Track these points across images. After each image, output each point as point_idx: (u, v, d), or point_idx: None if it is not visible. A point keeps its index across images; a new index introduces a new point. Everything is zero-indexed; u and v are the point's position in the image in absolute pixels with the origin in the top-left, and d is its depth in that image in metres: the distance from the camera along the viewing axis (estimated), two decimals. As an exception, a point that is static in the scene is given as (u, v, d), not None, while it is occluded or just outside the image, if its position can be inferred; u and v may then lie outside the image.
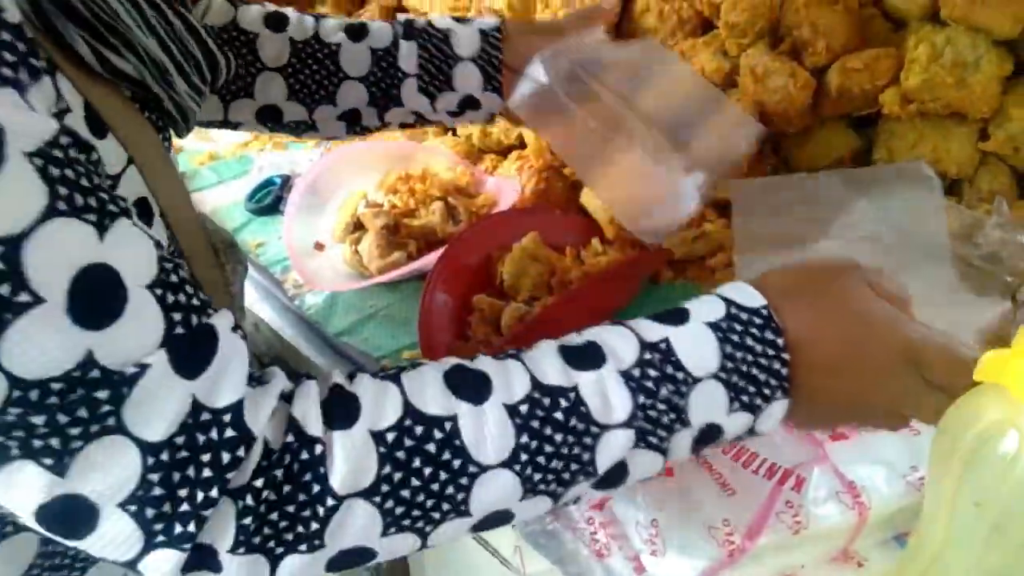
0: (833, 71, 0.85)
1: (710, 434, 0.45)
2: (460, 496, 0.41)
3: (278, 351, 0.95)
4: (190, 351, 0.38)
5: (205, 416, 0.38)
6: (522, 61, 0.75)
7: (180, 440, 0.37)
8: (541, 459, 0.42)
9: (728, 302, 0.46)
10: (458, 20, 0.78)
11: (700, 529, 0.51)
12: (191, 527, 0.37)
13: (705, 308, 0.46)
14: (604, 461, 0.43)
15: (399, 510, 0.41)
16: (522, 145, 1.07)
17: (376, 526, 0.40)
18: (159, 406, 0.37)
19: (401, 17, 0.79)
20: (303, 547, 0.39)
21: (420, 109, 0.77)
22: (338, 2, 1.41)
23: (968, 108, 0.80)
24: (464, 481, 0.41)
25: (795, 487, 0.52)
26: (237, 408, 0.39)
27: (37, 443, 0.35)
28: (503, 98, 0.76)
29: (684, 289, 0.89)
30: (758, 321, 0.45)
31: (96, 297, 0.36)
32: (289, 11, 0.79)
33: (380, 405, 0.42)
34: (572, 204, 0.96)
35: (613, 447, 0.43)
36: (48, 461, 0.35)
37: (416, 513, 0.41)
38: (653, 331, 0.45)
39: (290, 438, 0.40)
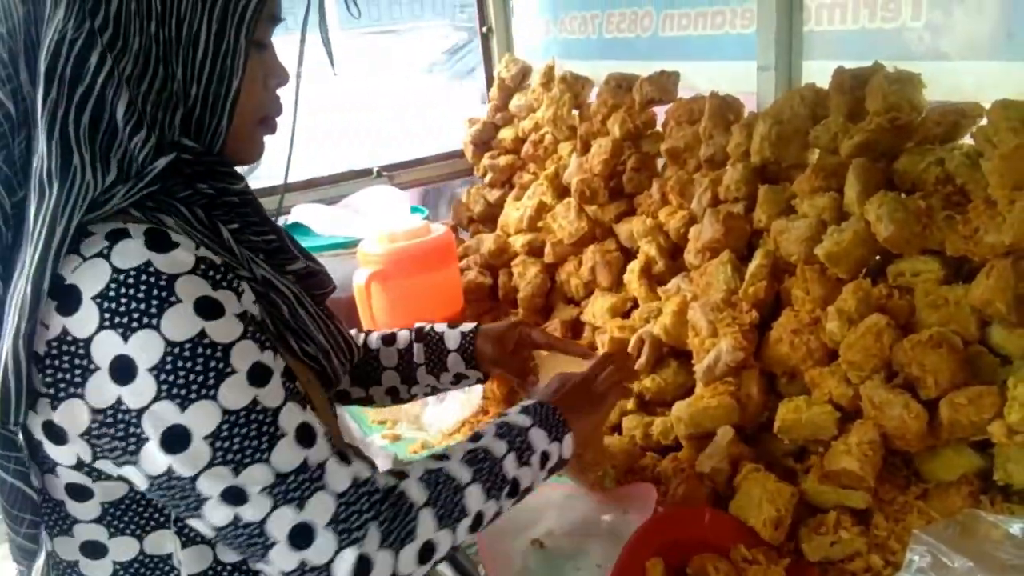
0: (943, 405, 0.99)
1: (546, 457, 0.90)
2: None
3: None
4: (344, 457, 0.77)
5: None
6: (487, 350, 1.16)
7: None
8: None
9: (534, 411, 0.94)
10: (450, 326, 1.20)
11: None
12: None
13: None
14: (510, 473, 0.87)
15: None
16: (677, 447, 1.25)
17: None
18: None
19: (421, 325, 1.20)
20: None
21: (431, 383, 1.18)
22: (527, 317, 1.74)
23: (1072, 441, 0.91)
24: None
25: None
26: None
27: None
28: (480, 371, 1.17)
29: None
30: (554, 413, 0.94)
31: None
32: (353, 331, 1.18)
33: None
34: (720, 505, 1.12)
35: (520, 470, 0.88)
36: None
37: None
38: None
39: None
